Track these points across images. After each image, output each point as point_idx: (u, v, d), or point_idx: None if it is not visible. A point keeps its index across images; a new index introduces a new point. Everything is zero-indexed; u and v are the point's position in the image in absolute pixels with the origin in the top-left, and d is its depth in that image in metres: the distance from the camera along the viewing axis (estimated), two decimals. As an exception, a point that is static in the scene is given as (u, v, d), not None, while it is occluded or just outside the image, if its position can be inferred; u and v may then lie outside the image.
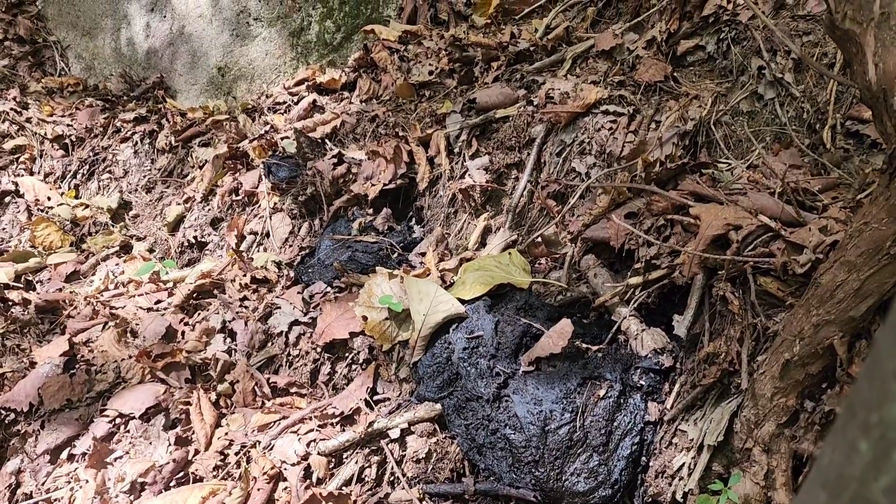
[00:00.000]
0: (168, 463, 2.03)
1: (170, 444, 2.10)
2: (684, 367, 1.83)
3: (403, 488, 1.93)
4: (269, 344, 2.34)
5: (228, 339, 2.37)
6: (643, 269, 1.92)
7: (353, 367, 2.23)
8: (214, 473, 2.04)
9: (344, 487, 1.95)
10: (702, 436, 1.70)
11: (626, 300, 1.98)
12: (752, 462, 1.60)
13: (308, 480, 1.97)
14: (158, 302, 2.71)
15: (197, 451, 2.10)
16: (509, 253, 2.23)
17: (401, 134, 2.86)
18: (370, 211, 2.72)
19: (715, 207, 1.74)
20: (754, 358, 1.65)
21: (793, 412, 1.54)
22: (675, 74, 2.52)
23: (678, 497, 1.72)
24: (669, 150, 2.19)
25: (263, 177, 2.99)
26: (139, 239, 3.29)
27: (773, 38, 2.38)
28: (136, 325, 2.53)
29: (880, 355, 0.43)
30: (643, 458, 1.81)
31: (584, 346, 1.97)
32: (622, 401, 1.84)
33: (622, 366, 1.90)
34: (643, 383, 1.86)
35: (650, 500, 1.79)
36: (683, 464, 1.73)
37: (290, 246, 2.81)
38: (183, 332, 2.47)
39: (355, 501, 1.91)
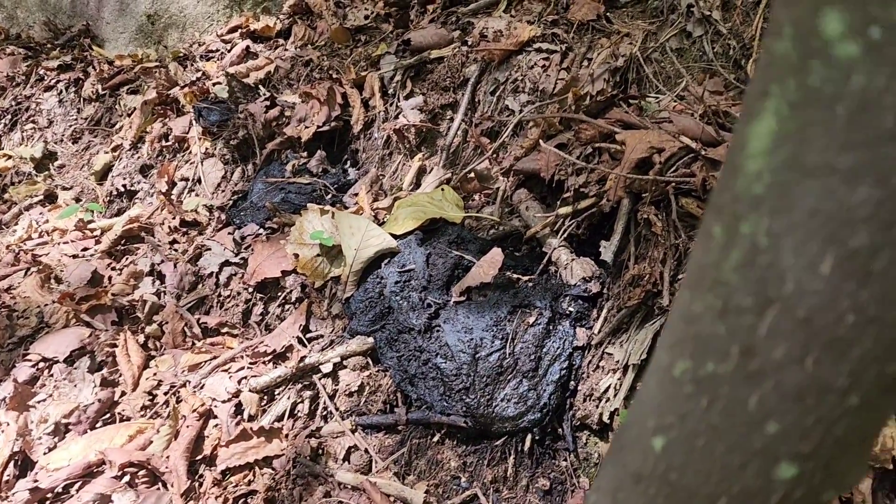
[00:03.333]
0: (93, 403, 1.98)
1: (95, 386, 2.05)
2: (611, 292, 1.86)
3: (336, 421, 1.92)
4: (200, 285, 2.29)
5: (157, 282, 2.31)
6: (572, 198, 1.93)
7: (286, 305, 2.21)
8: (142, 413, 2.00)
9: (276, 423, 1.93)
10: (627, 356, 1.73)
11: (556, 231, 2.00)
12: (673, 378, 1.64)
13: (239, 416, 1.95)
14: (85, 249, 2.62)
15: (124, 393, 2.06)
16: (442, 189, 2.22)
17: (335, 76, 2.81)
18: (304, 154, 2.67)
19: (640, 132, 1.76)
20: (676, 278, 1.68)
21: (712, 327, 1.57)
22: (607, 14, 2.53)
23: (605, 418, 1.75)
24: (601, 85, 2.20)
25: (194, 121, 2.91)
26: (65, 189, 3.17)
27: (702, -24, 2.40)
28: (61, 271, 2.45)
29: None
30: (572, 383, 1.83)
31: (516, 276, 1.98)
32: (551, 327, 1.86)
33: (552, 294, 1.91)
34: (572, 310, 1.88)
35: (578, 423, 1.82)
36: (610, 385, 1.76)
37: (223, 191, 2.74)
38: (110, 277, 2.40)
39: (287, 435, 1.89)
